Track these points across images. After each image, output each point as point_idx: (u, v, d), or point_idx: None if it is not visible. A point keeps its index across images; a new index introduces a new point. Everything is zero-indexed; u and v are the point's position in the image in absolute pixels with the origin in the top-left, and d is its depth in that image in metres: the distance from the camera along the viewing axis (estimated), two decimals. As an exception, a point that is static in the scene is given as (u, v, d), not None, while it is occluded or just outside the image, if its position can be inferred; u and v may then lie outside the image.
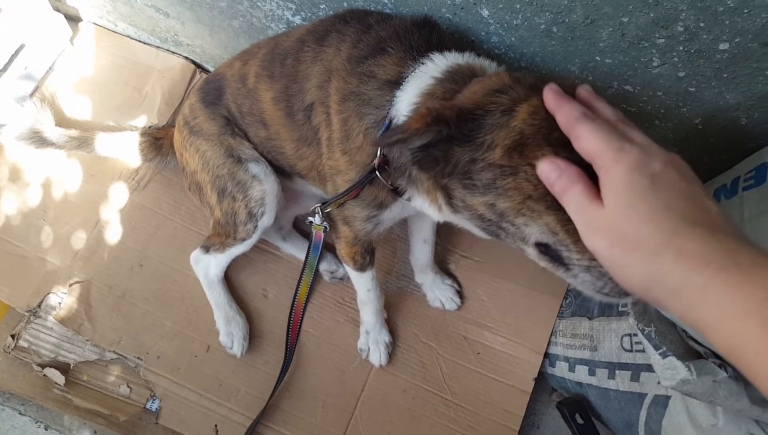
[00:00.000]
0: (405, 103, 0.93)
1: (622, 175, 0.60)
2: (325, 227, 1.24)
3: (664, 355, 0.93)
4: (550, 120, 0.74)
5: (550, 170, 0.68)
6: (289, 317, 1.44)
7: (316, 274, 1.51)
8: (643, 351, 1.15)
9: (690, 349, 0.99)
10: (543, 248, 0.77)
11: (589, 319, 1.34)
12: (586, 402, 1.36)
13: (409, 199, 1.01)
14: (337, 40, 1.08)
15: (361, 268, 1.30)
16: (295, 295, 1.44)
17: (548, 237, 0.74)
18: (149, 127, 1.59)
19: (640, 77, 1.04)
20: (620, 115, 0.74)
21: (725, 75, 0.96)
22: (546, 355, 1.47)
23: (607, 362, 1.25)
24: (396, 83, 0.95)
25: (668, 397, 1.06)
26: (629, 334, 1.19)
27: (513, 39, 1.07)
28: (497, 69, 0.94)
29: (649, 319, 1.02)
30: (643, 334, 0.98)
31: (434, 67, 0.93)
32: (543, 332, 1.48)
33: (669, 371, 0.91)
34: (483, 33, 1.10)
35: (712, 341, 0.51)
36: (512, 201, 0.76)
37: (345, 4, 1.20)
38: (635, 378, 1.16)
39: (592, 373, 1.31)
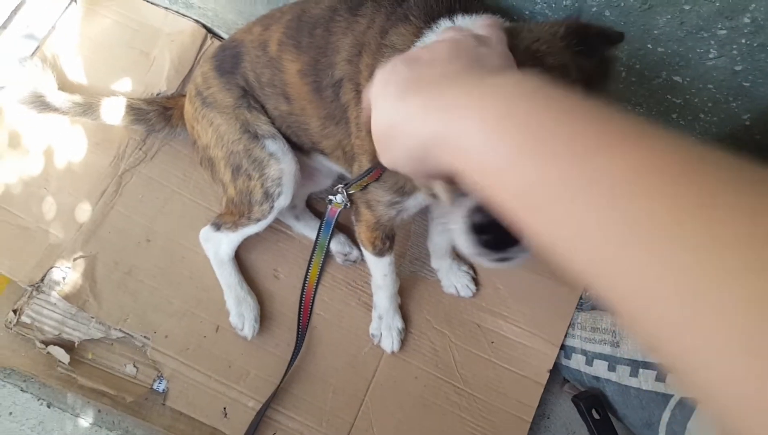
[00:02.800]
0: None
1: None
2: (346, 204, 1.19)
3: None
4: None
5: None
6: (300, 300, 1.40)
7: (328, 256, 1.46)
8: (669, 351, 1.12)
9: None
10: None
11: (612, 314, 1.31)
12: (603, 397, 1.34)
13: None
14: (372, 10, 1.01)
15: (380, 253, 1.26)
16: (305, 277, 1.40)
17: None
18: (157, 95, 1.50)
19: (692, 69, 0.98)
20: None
21: (787, 71, 0.90)
22: (561, 346, 1.45)
23: (630, 359, 1.23)
24: None
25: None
26: (655, 333, 1.16)
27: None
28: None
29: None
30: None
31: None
32: (560, 324, 1.45)
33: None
34: (527, 12, 1.03)
35: (469, 176, 0.45)
36: None
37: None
38: (660, 378, 1.13)
39: (612, 368, 1.29)
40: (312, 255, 1.39)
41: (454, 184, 0.65)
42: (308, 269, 1.40)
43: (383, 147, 0.56)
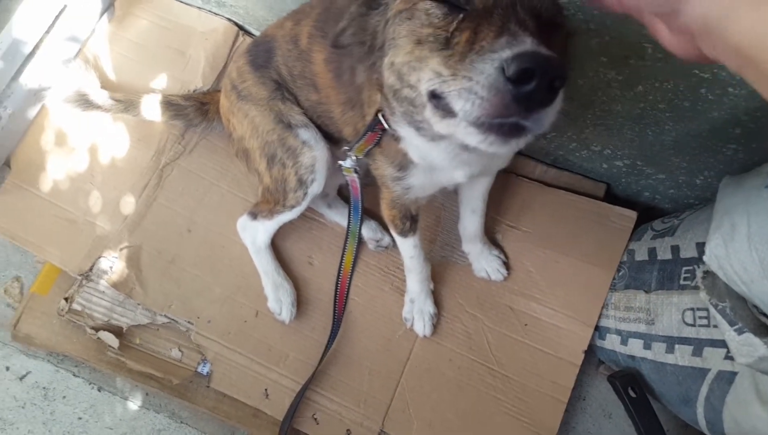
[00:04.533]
0: None
1: None
2: (356, 169, 1.20)
3: (740, 332, 0.90)
4: None
5: None
6: (336, 287, 1.44)
7: (360, 243, 1.50)
8: (707, 326, 1.12)
9: (762, 324, 0.96)
10: (435, 102, 0.71)
11: (646, 292, 1.31)
12: (638, 376, 1.34)
13: (397, 139, 0.99)
14: None
15: (402, 232, 1.30)
16: (340, 265, 1.44)
17: (435, 82, 0.69)
18: (194, 91, 1.56)
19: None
20: None
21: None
22: (596, 327, 1.45)
23: (666, 336, 1.23)
24: None
25: (734, 373, 1.04)
26: (692, 308, 1.16)
27: None
28: None
29: (721, 295, 0.99)
30: (716, 309, 0.95)
31: None
32: (593, 304, 1.45)
33: (746, 348, 0.88)
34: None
35: (730, 37, 0.44)
36: (404, 51, 0.75)
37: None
38: (697, 353, 1.13)
39: (647, 346, 1.29)
40: (345, 242, 1.43)
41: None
42: (342, 256, 1.44)
43: None
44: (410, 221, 1.27)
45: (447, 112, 0.68)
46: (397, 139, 1.00)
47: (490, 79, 0.60)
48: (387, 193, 1.19)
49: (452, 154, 0.93)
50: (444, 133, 0.75)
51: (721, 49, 0.47)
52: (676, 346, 1.20)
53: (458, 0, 0.71)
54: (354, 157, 1.15)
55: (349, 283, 1.44)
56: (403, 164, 1.06)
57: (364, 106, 1.09)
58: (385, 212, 1.26)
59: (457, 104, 0.64)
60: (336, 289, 1.43)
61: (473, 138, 0.66)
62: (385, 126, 0.98)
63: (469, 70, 0.62)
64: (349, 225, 1.39)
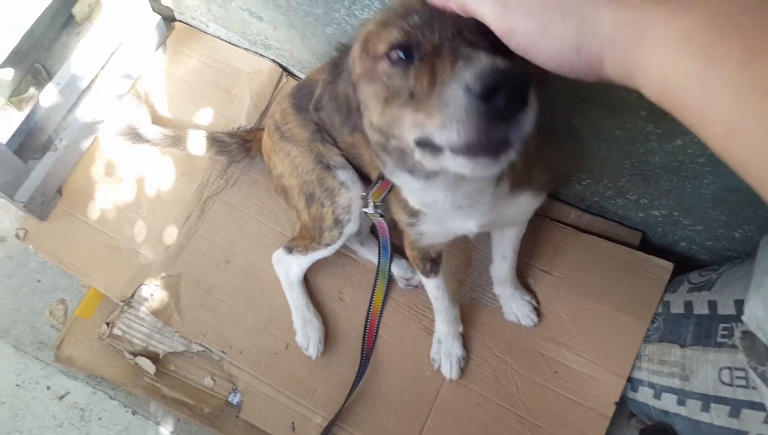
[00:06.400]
0: None
1: None
2: (380, 214, 1.22)
3: (780, 399, 0.88)
4: (394, 9, 0.75)
5: None
6: (365, 325, 1.46)
7: (391, 281, 1.52)
8: (745, 386, 1.09)
9: (803, 392, 0.94)
10: (422, 145, 0.71)
11: (681, 346, 1.28)
12: (671, 431, 1.31)
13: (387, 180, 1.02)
14: None
15: (424, 273, 1.32)
16: (370, 302, 1.46)
17: (417, 131, 0.70)
18: (238, 129, 1.63)
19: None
20: None
21: None
22: (628, 378, 1.43)
23: (701, 394, 1.20)
24: None
25: (774, 439, 1.01)
26: (729, 367, 1.13)
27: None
28: None
29: (761, 357, 0.97)
30: (756, 372, 0.93)
31: None
32: (627, 355, 1.43)
33: (786, 416, 0.86)
34: None
35: (647, 87, 0.44)
36: (377, 112, 0.76)
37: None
38: (734, 414, 1.10)
39: (681, 402, 1.26)
40: (376, 280, 1.45)
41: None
42: (373, 294, 1.46)
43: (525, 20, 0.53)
44: (431, 263, 1.29)
45: (435, 149, 0.69)
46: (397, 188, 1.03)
47: (462, 102, 0.61)
48: (406, 235, 1.22)
49: (451, 194, 0.92)
50: (437, 170, 0.77)
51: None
52: (712, 404, 1.16)
53: (408, 52, 0.72)
54: (371, 203, 1.19)
55: (379, 321, 1.46)
56: (414, 211, 1.08)
57: None
58: (408, 253, 1.30)
59: (441, 138, 0.65)
60: (365, 326, 1.45)
61: (464, 167, 0.66)
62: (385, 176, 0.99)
63: (439, 104, 0.64)
64: (379, 264, 1.42)
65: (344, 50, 0.87)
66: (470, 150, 0.64)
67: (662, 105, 0.44)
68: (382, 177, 1.06)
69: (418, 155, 0.73)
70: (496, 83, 0.58)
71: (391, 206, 1.16)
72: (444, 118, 0.63)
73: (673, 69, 0.42)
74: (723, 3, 0.40)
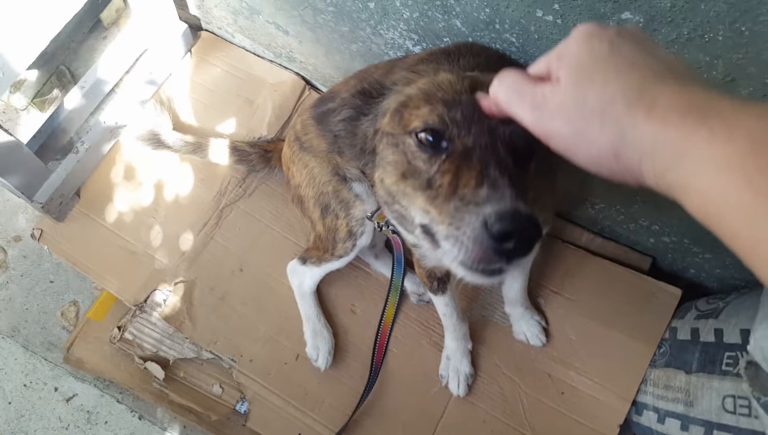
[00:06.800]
0: None
1: (578, 45, 0.54)
2: (393, 230, 1.24)
3: (788, 428, 0.90)
4: (442, 88, 0.75)
5: (495, 92, 0.63)
6: (376, 337, 1.47)
7: (403, 296, 1.54)
8: (748, 415, 1.11)
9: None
10: (425, 229, 0.74)
11: (687, 372, 1.30)
12: (676, 457, 1.32)
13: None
14: (434, 70, 1.10)
15: (432, 290, 1.34)
16: (382, 316, 1.48)
17: (425, 218, 0.73)
18: (259, 139, 1.65)
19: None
20: None
21: None
22: (633, 402, 1.44)
23: (705, 420, 1.22)
24: None
25: (780, 468, 1.03)
26: (733, 395, 1.15)
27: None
28: None
29: (764, 387, 0.99)
30: (759, 402, 0.95)
31: None
32: (632, 379, 1.45)
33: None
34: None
35: (689, 205, 0.45)
36: (391, 178, 0.77)
37: (470, 39, 1.22)
38: (740, 442, 1.12)
39: (684, 428, 1.28)
40: (388, 294, 1.47)
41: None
42: (384, 308, 1.47)
43: (572, 127, 0.53)
44: (438, 281, 1.30)
45: (435, 243, 0.73)
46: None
47: (476, 233, 0.65)
48: (413, 252, 1.24)
49: None
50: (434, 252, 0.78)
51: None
52: (715, 431, 1.18)
53: (439, 144, 0.74)
54: (376, 224, 1.22)
55: (389, 336, 1.47)
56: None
57: None
58: (417, 271, 1.33)
59: (445, 246, 0.69)
60: (376, 339, 1.47)
61: (459, 271, 0.70)
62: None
63: (455, 218, 0.67)
64: (392, 278, 1.43)
65: (378, 89, 0.86)
66: (466, 265, 0.68)
67: (706, 226, 0.45)
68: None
69: (419, 234, 0.76)
70: (512, 230, 0.63)
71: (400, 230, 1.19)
72: (454, 233, 0.67)
73: (717, 196, 0.42)
74: (765, 131, 0.41)
